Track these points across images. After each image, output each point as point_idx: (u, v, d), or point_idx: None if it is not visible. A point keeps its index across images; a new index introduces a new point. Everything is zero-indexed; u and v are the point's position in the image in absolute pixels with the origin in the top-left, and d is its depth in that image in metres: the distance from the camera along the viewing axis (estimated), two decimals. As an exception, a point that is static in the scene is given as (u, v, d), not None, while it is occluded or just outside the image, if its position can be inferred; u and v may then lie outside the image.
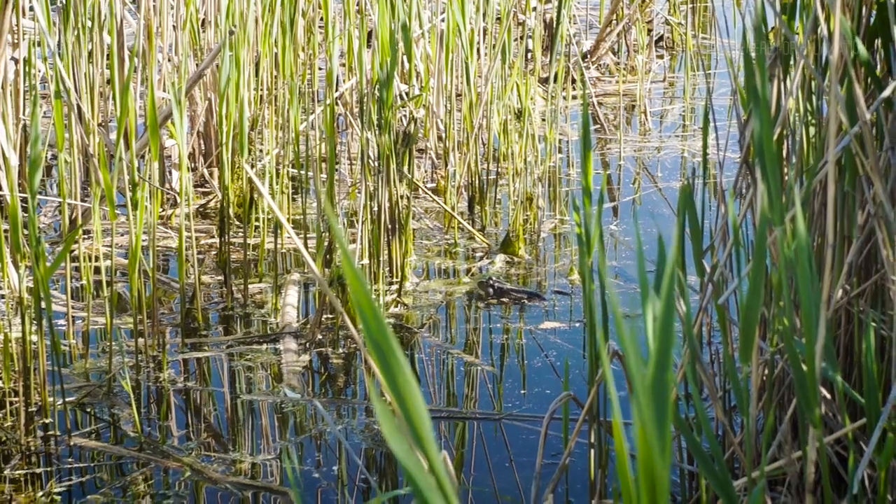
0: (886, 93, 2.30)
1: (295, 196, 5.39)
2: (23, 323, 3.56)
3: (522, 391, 3.80)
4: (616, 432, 1.11)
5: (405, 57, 5.92)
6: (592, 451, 2.74)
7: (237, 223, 5.07)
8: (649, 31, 8.27)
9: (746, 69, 2.46)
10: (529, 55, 7.00)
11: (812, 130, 2.65)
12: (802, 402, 1.84)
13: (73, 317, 4.16)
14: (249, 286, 4.56)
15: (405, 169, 4.59)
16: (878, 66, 2.52)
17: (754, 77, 2.36)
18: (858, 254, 2.54)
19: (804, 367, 1.86)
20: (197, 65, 5.22)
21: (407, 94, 5.72)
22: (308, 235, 4.96)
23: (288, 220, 5.07)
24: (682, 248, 2.61)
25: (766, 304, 2.45)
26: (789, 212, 2.09)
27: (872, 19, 2.44)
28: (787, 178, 2.64)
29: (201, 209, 5.40)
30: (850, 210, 2.46)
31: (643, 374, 1.06)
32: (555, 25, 5.75)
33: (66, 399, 3.65)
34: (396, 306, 4.43)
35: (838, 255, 2.45)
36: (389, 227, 4.58)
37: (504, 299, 4.49)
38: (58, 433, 3.52)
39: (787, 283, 1.93)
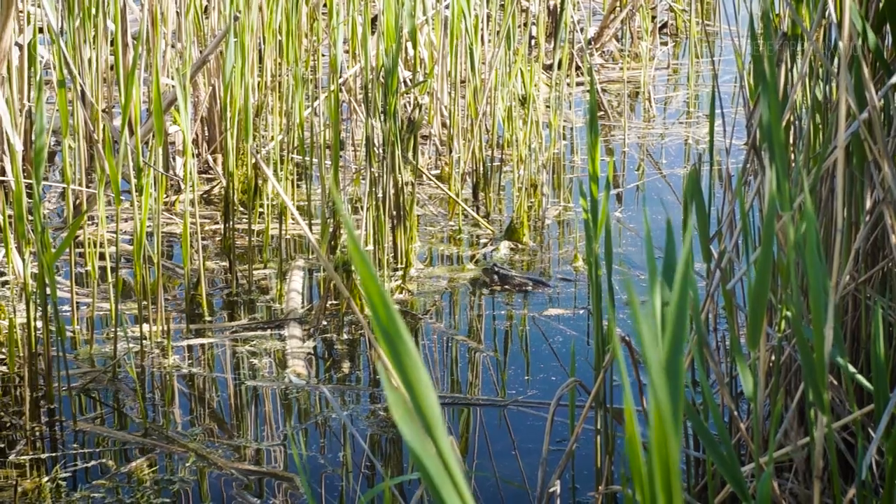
0: (895, 78, 2.29)
1: (299, 183, 5.38)
2: (28, 309, 3.56)
3: (526, 377, 3.80)
4: (628, 418, 1.11)
5: (409, 43, 5.91)
6: (599, 437, 2.74)
7: (241, 209, 5.07)
8: (653, 17, 8.26)
9: (754, 55, 2.45)
10: (533, 42, 6.99)
11: (819, 116, 2.64)
12: (811, 388, 1.83)
13: (77, 303, 4.16)
14: (254, 272, 4.56)
15: (409, 155, 4.58)
16: (886, 51, 2.51)
17: (761, 63, 2.35)
18: (866, 240, 2.54)
19: (812, 353, 1.86)
20: (201, 51, 5.21)
21: (411, 80, 5.71)
22: (312, 222, 4.95)
23: (292, 206, 5.06)
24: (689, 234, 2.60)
25: (772, 291, 2.45)
26: (798, 197, 2.09)
27: (881, 4, 2.43)
28: (794, 164, 2.63)
29: (205, 195, 5.40)
30: (858, 196, 2.46)
31: (659, 356, 1.05)
32: (559, 12, 5.73)
33: (71, 385, 3.64)
34: (401, 292, 4.43)
35: (845, 241, 2.44)
36: (394, 213, 4.57)
37: (508, 286, 4.48)
38: (63, 419, 3.52)
39: (795, 269, 1.93)
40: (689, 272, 1.10)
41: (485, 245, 4.91)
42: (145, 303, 3.98)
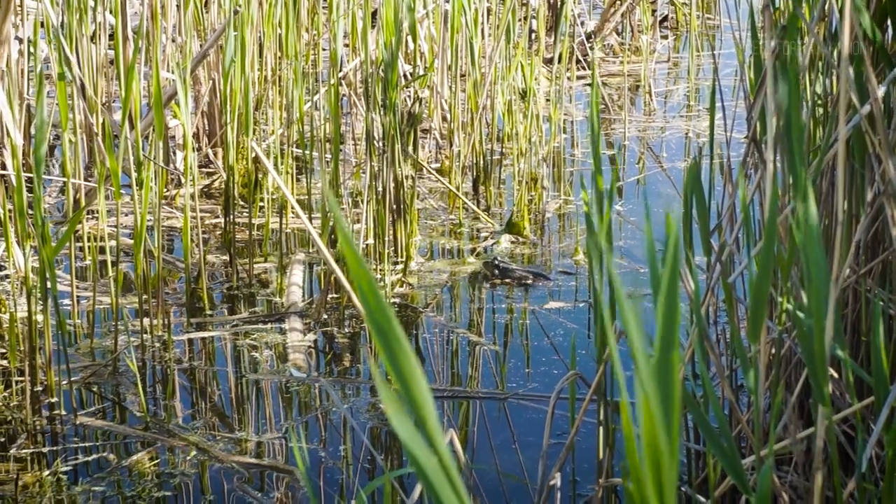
0: (896, 71, 2.29)
1: (299, 176, 5.38)
2: (28, 303, 3.56)
3: (527, 370, 3.80)
4: (623, 412, 1.11)
5: (409, 37, 5.90)
6: (600, 429, 2.74)
7: (242, 203, 5.07)
8: (653, 11, 8.25)
9: (754, 44, 2.45)
10: (534, 35, 6.99)
11: (819, 109, 2.64)
12: (812, 380, 1.83)
13: (78, 297, 4.16)
14: (254, 266, 4.56)
15: (410, 149, 4.58)
16: (888, 45, 2.51)
17: (762, 52, 2.35)
18: (866, 232, 2.54)
19: (813, 346, 1.86)
20: (201, 45, 5.21)
21: (411, 74, 5.71)
22: (313, 215, 4.95)
23: (292, 200, 5.05)
24: (690, 227, 2.60)
25: (773, 284, 2.45)
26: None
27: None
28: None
29: (206, 189, 5.39)
30: (859, 188, 2.46)
31: (646, 351, 1.05)
32: (559, 6, 5.73)
33: (72, 378, 3.65)
34: (401, 286, 4.43)
35: (846, 234, 2.44)
36: (394, 207, 4.57)
37: (508, 279, 4.48)
38: (63, 413, 3.52)
39: (803, 261, 1.93)
40: (677, 259, 1.10)
41: (485, 238, 4.91)
42: (146, 296, 3.98)
